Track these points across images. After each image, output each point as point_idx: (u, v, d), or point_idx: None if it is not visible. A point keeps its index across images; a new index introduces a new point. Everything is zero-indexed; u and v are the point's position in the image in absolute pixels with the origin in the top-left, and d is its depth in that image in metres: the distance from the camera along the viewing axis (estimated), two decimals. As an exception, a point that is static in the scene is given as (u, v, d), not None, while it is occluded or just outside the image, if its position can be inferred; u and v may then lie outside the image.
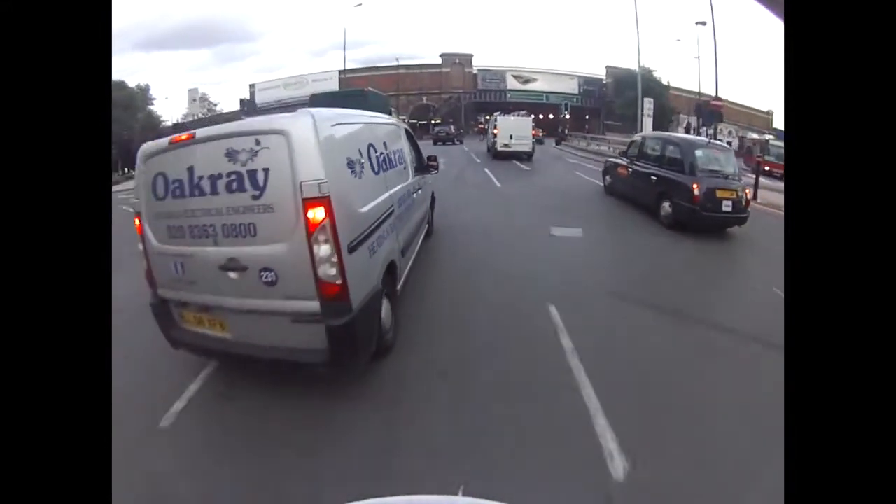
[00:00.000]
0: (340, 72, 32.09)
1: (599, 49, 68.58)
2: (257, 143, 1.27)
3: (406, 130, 2.93)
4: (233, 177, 1.27)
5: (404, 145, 2.87)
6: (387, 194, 2.06)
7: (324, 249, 1.19)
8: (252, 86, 33.50)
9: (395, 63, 32.58)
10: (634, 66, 27.03)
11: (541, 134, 26.55)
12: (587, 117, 34.97)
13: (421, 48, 53.15)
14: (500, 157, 11.68)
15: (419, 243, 3.13)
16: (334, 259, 1.23)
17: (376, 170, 1.94)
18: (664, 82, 29.04)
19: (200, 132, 1.47)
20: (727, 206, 4.53)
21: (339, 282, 1.24)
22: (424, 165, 3.50)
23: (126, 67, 46.91)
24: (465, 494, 0.71)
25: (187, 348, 1.69)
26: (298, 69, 32.98)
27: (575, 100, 35.00)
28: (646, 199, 5.44)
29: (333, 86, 31.45)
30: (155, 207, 1.47)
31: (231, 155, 1.26)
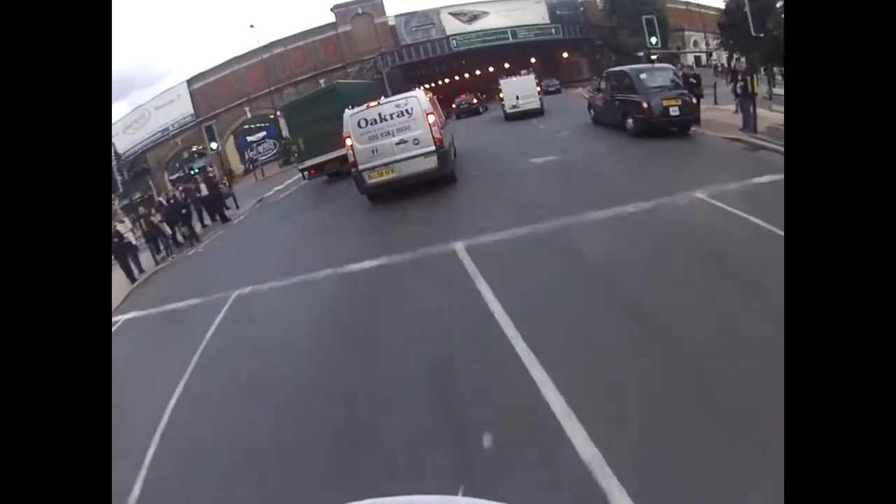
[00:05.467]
0: (188, 82, 37.56)
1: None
2: (406, 100, 9.94)
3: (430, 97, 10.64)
4: (399, 112, 9.79)
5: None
6: (444, 118, 12.98)
7: (434, 129, 9.76)
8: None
9: (258, 40, 36.63)
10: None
11: (557, 83, 32.81)
12: (565, 55, 41.95)
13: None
14: (512, 118, 20.46)
15: (455, 152, 12.38)
16: (438, 131, 9.90)
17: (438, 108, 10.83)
18: None
19: (383, 101, 10.18)
20: (675, 111, 11.01)
21: (440, 138, 9.87)
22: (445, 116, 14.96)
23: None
24: (464, 494, 1.55)
25: (370, 190, 10.27)
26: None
27: (554, 31, 39.96)
28: (616, 120, 12.29)
29: (185, 106, 37.24)
30: (359, 132, 9.87)
31: (397, 105, 9.77)
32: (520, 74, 22.42)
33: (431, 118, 9.52)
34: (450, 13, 39.36)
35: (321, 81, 37.03)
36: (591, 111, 15.33)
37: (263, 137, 38.80)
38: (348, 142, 9.59)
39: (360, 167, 9.60)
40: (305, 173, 16.29)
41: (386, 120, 9.44)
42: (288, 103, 18.95)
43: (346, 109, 9.92)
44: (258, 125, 38.89)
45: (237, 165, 37.92)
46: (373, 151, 9.47)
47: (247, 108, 39.47)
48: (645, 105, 11.27)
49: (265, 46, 38.19)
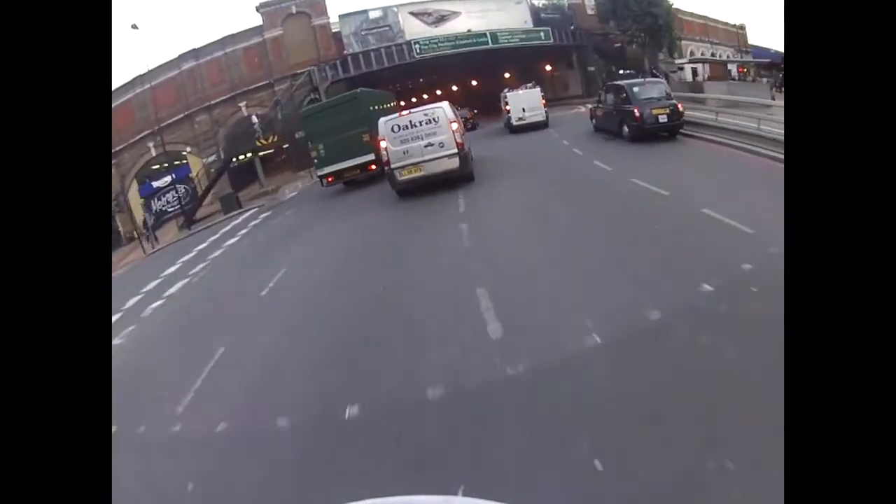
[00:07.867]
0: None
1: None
2: (433, 109, 16.01)
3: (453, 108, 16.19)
4: (427, 120, 15.89)
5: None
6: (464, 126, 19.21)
7: (457, 134, 15.74)
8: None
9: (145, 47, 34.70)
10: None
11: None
12: (548, 67, 43.92)
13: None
14: (517, 130, 25.96)
15: (472, 156, 18.32)
16: (460, 136, 15.87)
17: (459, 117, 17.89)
18: None
19: (414, 110, 16.88)
20: (663, 118, 16.14)
21: (461, 143, 15.84)
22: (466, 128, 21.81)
23: None
24: (464, 494, 2.44)
25: (401, 186, 16.48)
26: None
27: (543, 36, 41.76)
28: (614, 127, 17.48)
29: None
30: (392, 135, 15.94)
31: (426, 114, 15.82)
32: (525, 87, 28.01)
33: (454, 126, 14.85)
34: (411, 13, 39.14)
35: (241, 105, 37.58)
36: (593, 120, 21.21)
37: (170, 183, 34.91)
38: (383, 144, 14.92)
39: (393, 166, 14.91)
40: (323, 180, 20.66)
41: (416, 126, 14.80)
42: (309, 109, 24.04)
43: (381, 117, 15.59)
44: (165, 165, 36.16)
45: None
46: (404, 153, 14.78)
47: (150, 144, 38.01)
48: (637, 114, 16.07)
49: (174, 60, 37.26)
